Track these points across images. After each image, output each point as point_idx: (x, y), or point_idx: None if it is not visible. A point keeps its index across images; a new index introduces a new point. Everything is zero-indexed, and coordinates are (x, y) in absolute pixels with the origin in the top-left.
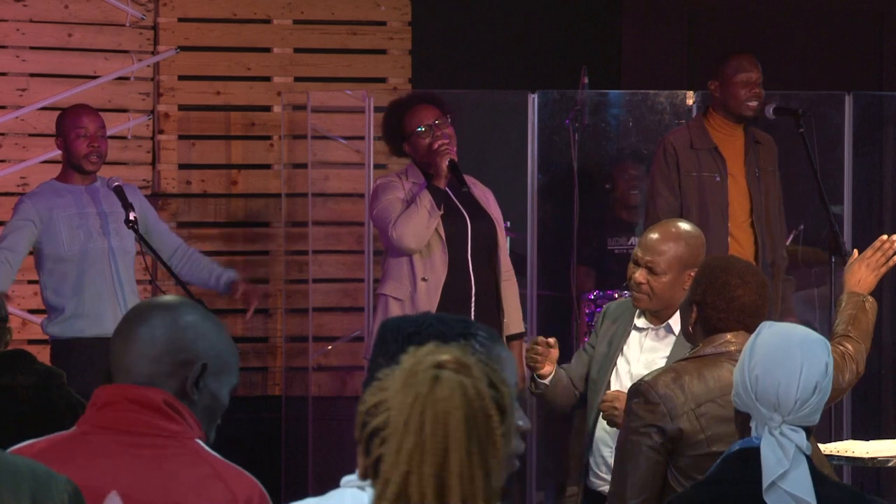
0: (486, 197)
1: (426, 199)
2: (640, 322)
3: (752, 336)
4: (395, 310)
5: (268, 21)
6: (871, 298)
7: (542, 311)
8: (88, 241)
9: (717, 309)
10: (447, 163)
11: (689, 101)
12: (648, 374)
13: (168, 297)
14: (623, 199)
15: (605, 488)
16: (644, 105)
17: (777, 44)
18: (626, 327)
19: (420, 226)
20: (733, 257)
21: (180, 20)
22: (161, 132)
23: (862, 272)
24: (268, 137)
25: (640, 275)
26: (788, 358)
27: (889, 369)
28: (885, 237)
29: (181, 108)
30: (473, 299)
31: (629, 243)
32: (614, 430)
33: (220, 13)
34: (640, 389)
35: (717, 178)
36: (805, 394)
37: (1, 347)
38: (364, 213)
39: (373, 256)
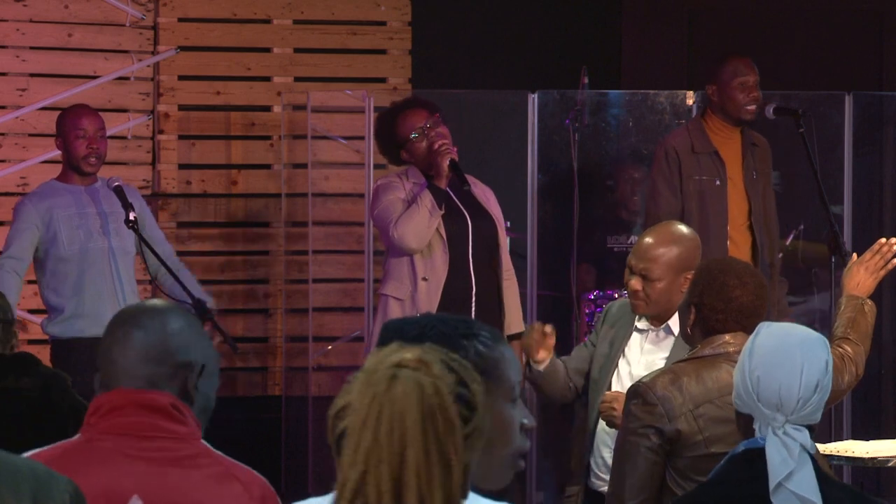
0: (486, 196)
1: (427, 198)
2: (641, 324)
3: (751, 337)
4: (396, 310)
5: (268, 21)
6: (869, 302)
7: (542, 311)
8: (88, 241)
9: (715, 310)
10: (448, 162)
11: (689, 101)
12: (647, 375)
13: (156, 301)
14: (624, 200)
15: (606, 488)
16: (644, 105)
17: (777, 44)
18: (628, 328)
19: (421, 226)
20: (731, 258)
21: (180, 20)
22: (161, 132)
23: (861, 275)
24: (268, 137)
25: (634, 282)
26: (788, 358)
27: (889, 369)
28: (883, 240)
29: (181, 108)
30: (474, 299)
31: (629, 242)
32: (614, 431)
33: (220, 13)
34: (638, 391)
35: (718, 182)
36: (807, 392)
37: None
38: (364, 214)
39: (373, 256)
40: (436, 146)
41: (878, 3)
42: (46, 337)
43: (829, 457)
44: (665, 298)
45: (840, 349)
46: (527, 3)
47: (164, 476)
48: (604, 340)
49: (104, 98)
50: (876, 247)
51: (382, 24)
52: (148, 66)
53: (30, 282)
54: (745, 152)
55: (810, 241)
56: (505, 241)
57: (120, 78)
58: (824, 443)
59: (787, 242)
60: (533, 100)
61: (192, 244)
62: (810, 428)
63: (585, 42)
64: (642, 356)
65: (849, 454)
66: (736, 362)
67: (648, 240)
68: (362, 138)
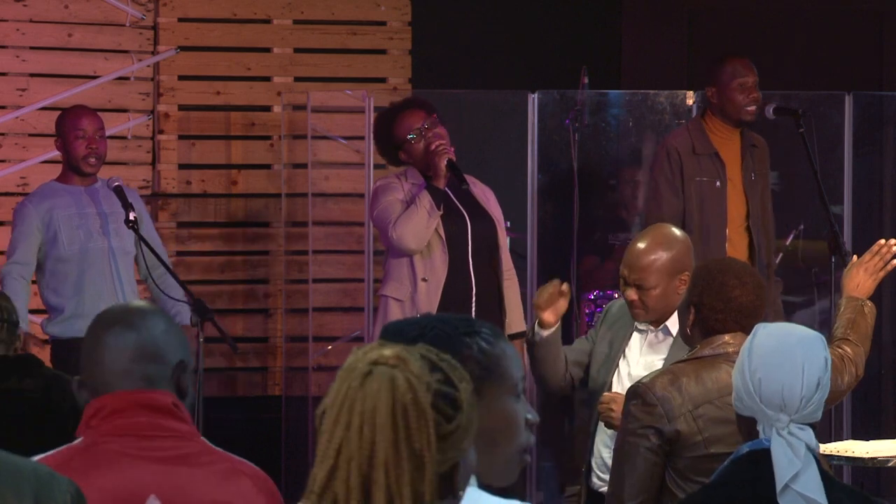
0: (486, 196)
1: (425, 199)
2: (641, 324)
3: (749, 339)
4: (396, 311)
5: (268, 21)
6: (869, 303)
7: None
8: (88, 241)
9: (714, 310)
10: (446, 162)
11: (689, 101)
12: (646, 375)
13: (138, 303)
14: (625, 202)
15: (606, 489)
16: (644, 105)
17: (777, 44)
18: (628, 329)
19: (420, 226)
20: (730, 259)
21: (180, 20)
22: (161, 132)
23: (860, 277)
24: (268, 137)
25: (630, 293)
26: (789, 357)
27: (889, 369)
28: (882, 241)
29: (181, 108)
30: (474, 299)
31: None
32: (614, 432)
33: (220, 13)
34: (637, 391)
35: (718, 184)
36: (809, 391)
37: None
38: (364, 214)
39: (373, 256)
40: (433, 146)
41: (878, 3)
42: (47, 337)
43: (829, 457)
44: (663, 303)
45: (840, 350)
46: (527, 3)
47: (176, 475)
48: (603, 340)
49: (104, 98)
50: (875, 248)
51: (382, 24)
52: (148, 66)
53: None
54: (745, 153)
55: (810, 241)
56: (505, 241)
57: (120, 78)
58: (824, 443)
59: (787, 242)
60: (533, 100)
61: (192, 244)
62: (812, 426)
63: (585, 42)
64: (641, 357)
65: (849, 454)
66: (735, 363)
67: (638, 248)
68: (362, 138)
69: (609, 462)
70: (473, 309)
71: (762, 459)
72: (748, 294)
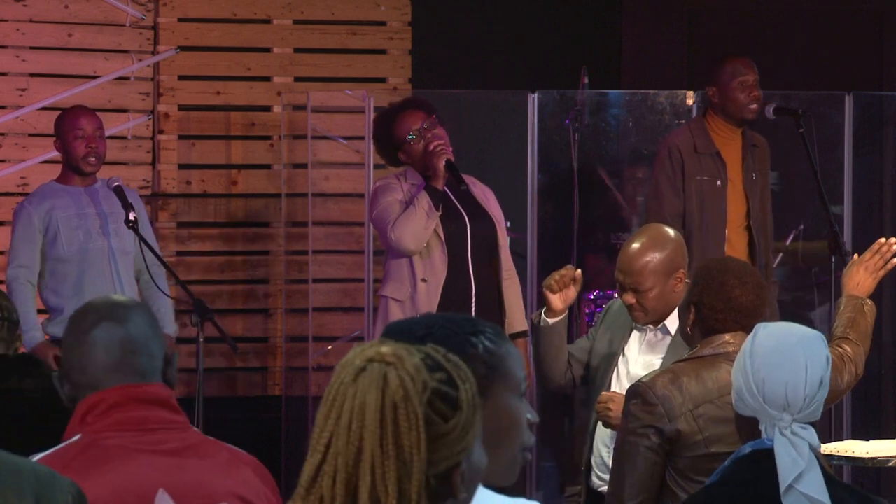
0: (486, 196)
1: (424, 200)
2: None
3: (749, 338)
4: (396, 312)
5: (268, 21)
6: (869, 302)
7: None
8: (88, 242)
9: (714, 310)
10: (444, 163)
11: (689, 101)
12: (646, 374)
13: (120, 297)
14: (627, 202)
15: (606, 488)
16: (644, 105)
17: (777, 44)
18: (627, 328)
19: (418, 227)
20: (731, 258)
21: (180, 20)
22: (161, 132)
23: (860, 275)
24: (268, 137)
25: (627, 297)
26: (791, 357)
27: (889, 369)
28: (882, 240)
29: (181, 108)
30: (474, 299)
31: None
32: (614, 431)
33: (220, 13)
34: (638, 390)
35: (719, 183)
36: (812, 390)
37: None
38: (364, 214)
39: (373, 257)
40: (432, 147)
41: (878, 3)
42: (47, 337)
43: (829, 457)
44: (661, 304)
45: (840, 349)
46: (527, 3)
47: (182, 468)
48: (603, 339)
49: (104, 98)
50: (875, 246)
51: (382, 24)
52: (148, 66)
53: None
54: (746, 153)
55: (810, 241)
56: (505, 241)
57: (120, 78)
58: (824, 443)
59: (787, 242)
60: (533, 100)
61: (192, 244)
62: (812, 425)
63: (585, 42)
64: (640, 356)
65: (849, 454)
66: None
67: (630, 252)
68: (362, 138)
69: (609, 461)
70: (473, 309)
71: (764, 459)
72: (748, 294)
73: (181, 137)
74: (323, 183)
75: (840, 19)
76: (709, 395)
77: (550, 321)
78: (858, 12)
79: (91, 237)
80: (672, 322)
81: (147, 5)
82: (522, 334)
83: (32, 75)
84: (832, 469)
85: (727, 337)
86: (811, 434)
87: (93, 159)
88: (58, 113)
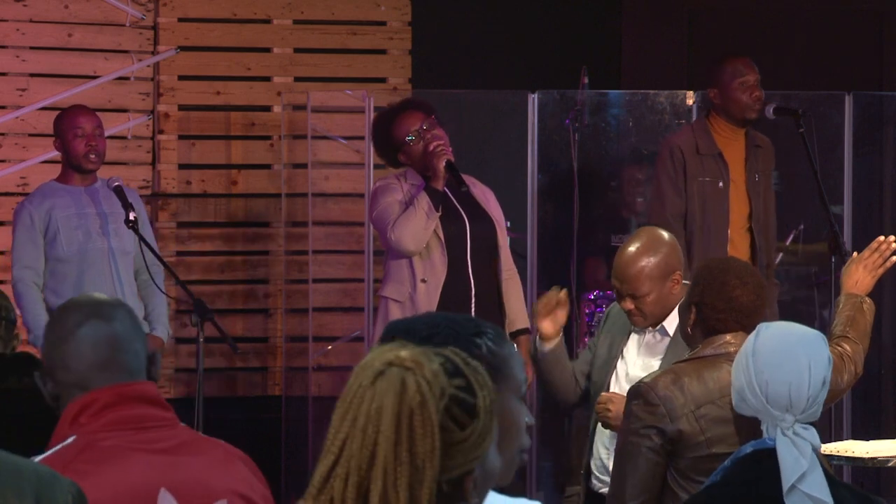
0: (486, 197)
1: (424, 201)
2: None
3: (751, 339)
4: (396, 312)
5: (268, 21)
6: (868, 300)
7: None
8: (87, 242)
9: (715, 310)
10: (444, 164)
11: (689, 101)
12: (648, 375)
13: (102, 295)
14: (627, 201)
15: (606, 490)
16: (644, 105)
17: (777, 44)
18: (626, 330)
19: (418, 228)
20: (732, 258)
21: (180, 20)
22: (161, 132)
23: (859, 273)
24: (268, 137)
25: (626, 303)
26: (794, 358)
27: (889, 369)
28: (881, 238)
29: (181, 108)
30: (473, 300)
31: None
32: (613, 433)
33: (220, 13)
34: (639, 391)
35: (721, 185)
36: (815, 390)
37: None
38: (364, 214)
39: (373, 257)
40: (431, 148)
41: (878, 3)
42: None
43: (829, 457)
44: (659, 307)
45: (839, 348)
46: (527, 3)
47: (181, 466)
48: (604, 343)
49: (104, 98)
50: (874, 244)
51: (382, 24)
52: (148, 66)
53: None
54: (749, 154)
55: (810, 241)
56: (505, 242)
57: (120, 78)
58: (824, 443)
59: (787, 242)
60: (533, 100)
61: (192, 244)
62: (812, 425)
63: (585, 42)
64: (639, 358)
65: (849, 454)
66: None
67: (625, 258)
68: (362, 138)
69: (608, 463)
70: (473, 310)
71: (766, 459)
72: (749, 294)
73: (181, 137)
74: (323, 183)
75: (840, 19)
76: (710, 395)
77: (546, 348)
78: (858, 12)
79: (91, 237)
80: (670, 323)
81: (147, 5)
82: (524, 331)
83: (32, 75)
84: (832, 469)
85: (728, 337)
86: (813, 434)
87: (93, 157)
88: (57, 113)
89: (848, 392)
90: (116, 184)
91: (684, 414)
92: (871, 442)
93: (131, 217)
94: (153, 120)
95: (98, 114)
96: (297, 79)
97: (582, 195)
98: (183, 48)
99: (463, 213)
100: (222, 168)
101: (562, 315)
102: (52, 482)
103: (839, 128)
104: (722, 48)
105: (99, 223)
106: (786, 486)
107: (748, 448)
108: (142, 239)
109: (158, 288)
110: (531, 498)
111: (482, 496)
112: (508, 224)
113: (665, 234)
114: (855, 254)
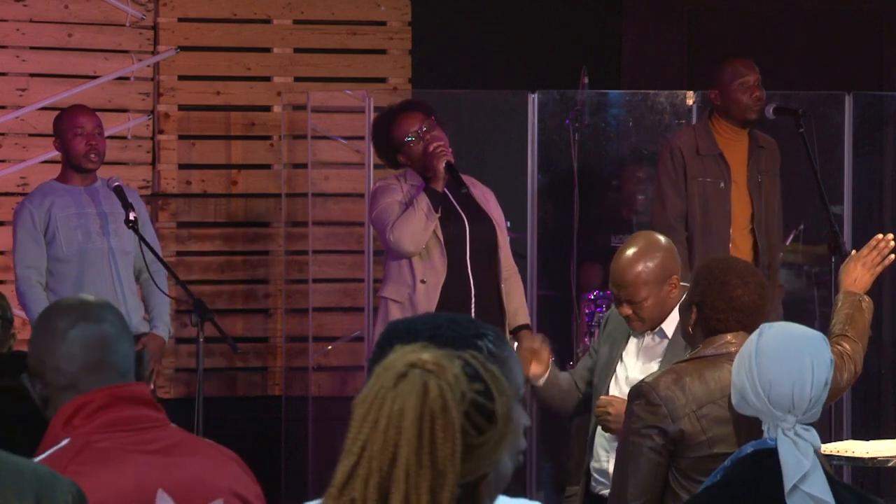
0: (485, 197)
1: (423, 201)
2: None
3: (753, 339)
4: (396, 312)
5: (268, 21)
6: (867, 298)
7: (542, 311)
8: (87, 242)
9: (716, 310)
10: (444, 165)
11: (689, 101)
12: (649, 375)
13: (87, 297)
14: (628, 201)
15: (606, 492)
16: (644, 105)
17: (777, 44)
18: (626, 332)
19: (417, 229)
20: (732, 258)
21: (180, 20)
22: (161, 132)
23: (858, 271)
24: (268, 137)
25: (624, 309)
26: (797, 358)
27: (889, 369)
28: (880, 236)
29: (181, 108)
30: (473, 301)
31: None
32: (612, 435)
33: (220, 13)
34: (641, 391)
35: (722, 185)
36: (818, 391)
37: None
38: (364, 214)
39: (373, 257)
40: (431, 148)
41: (878, 3)
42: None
43: (829, 457)
44: (658, 311)
45: (839, 347)
46: (527, 3)
47: (177, 467)
48: (604, 347)
49: (104, 98)
50: (873, 242)
51: (382, 24)
52: (148, 66)
53: None
54: (751, 155)
55: (810, 241)
56: (505, 242)
57: (120, 78)
58: (824, 443)
59: (787, 242)
60: (533, 100)
61: (192, 244)
62: (812, 425)
63: (585, 42)
64: (638, 361)
65: (849, 454)
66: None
67: (621, 264)
68: (362, 138)
69: (607, 466)
70: (472, 311)
71: (766, 459)
72: (750, 293)
73: (181, 137)
74: (323, 183)
75: (840, 19)
76: (712, 395)
77: (539, 382)
78: (858, 12)
79: (90, 237)
80: (668, 325)
81: (147, 5)
82: (525, 327)
83: (32, 75)
84: (832, 469)
85: (729, 337)
86: (813, 435)
87: (93, 156)
88: (57, 113)
89: (848, 392)
90: (116, 184)
91: (686, 414)
92: (871, 442)
93: (131, 217)
94: (153, 120)
95: (98, 114)
96: (297, 79)
97: (582, 195)
98: (183, 48)
99: (462, 214)
100: (222, 168)
101: (545, 354)
102: (52, 482)
103: (839, 128)
104: (722, 48)
105: (99, 223)
106: (787, 486)
107: (749, 448)
108: (142, 239)
109: (159, 288)
110: (531, 498)
111: (493, 499)
112: (508, 224)
113: (661, 238)
114: (854, 252)
